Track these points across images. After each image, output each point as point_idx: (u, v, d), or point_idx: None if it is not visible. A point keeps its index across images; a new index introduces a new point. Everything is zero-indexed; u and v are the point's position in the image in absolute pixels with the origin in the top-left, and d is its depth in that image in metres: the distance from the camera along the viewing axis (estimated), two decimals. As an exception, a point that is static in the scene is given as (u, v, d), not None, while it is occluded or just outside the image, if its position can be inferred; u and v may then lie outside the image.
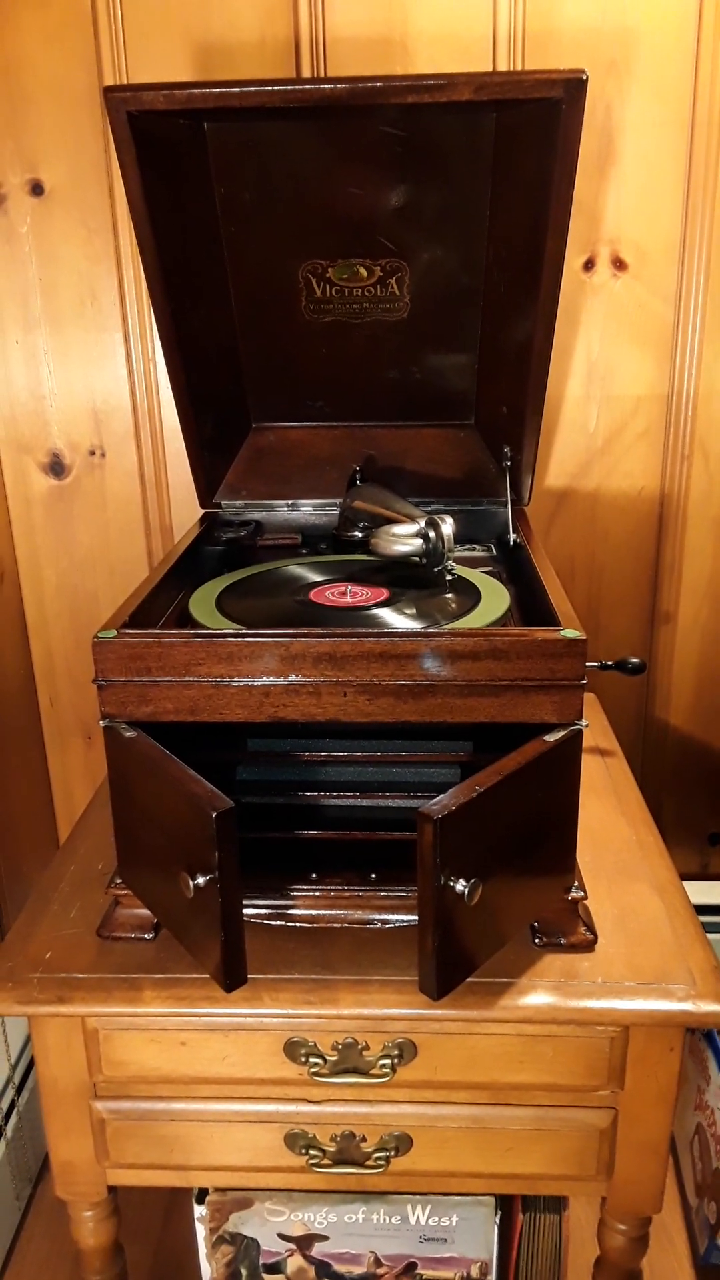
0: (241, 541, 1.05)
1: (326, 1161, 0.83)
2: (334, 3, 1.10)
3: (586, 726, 0.75)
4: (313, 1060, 0.79)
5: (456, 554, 0.99)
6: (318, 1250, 0.97)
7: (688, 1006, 0.75)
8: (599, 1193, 0.85)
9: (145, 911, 0.82)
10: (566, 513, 1.29)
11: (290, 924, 0.79)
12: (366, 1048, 0.79)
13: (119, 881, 0.82)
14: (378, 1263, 0.97)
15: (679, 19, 1.10)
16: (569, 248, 0.93)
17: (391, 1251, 0.96)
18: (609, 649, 1.34)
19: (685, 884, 0.90)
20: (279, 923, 0.79)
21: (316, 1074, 0.79)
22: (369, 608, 0.85)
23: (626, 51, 1.11)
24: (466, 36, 1.11)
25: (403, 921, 0.78)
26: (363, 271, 1.00)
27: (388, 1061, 0.79)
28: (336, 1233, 0.96)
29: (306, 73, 1.13)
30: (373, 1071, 0.79)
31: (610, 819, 0.98)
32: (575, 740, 0.74)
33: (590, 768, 1.05)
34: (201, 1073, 0.81)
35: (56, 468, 1.30)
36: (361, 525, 1.01)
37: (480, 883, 0.67)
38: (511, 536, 1.02)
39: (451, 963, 0.68)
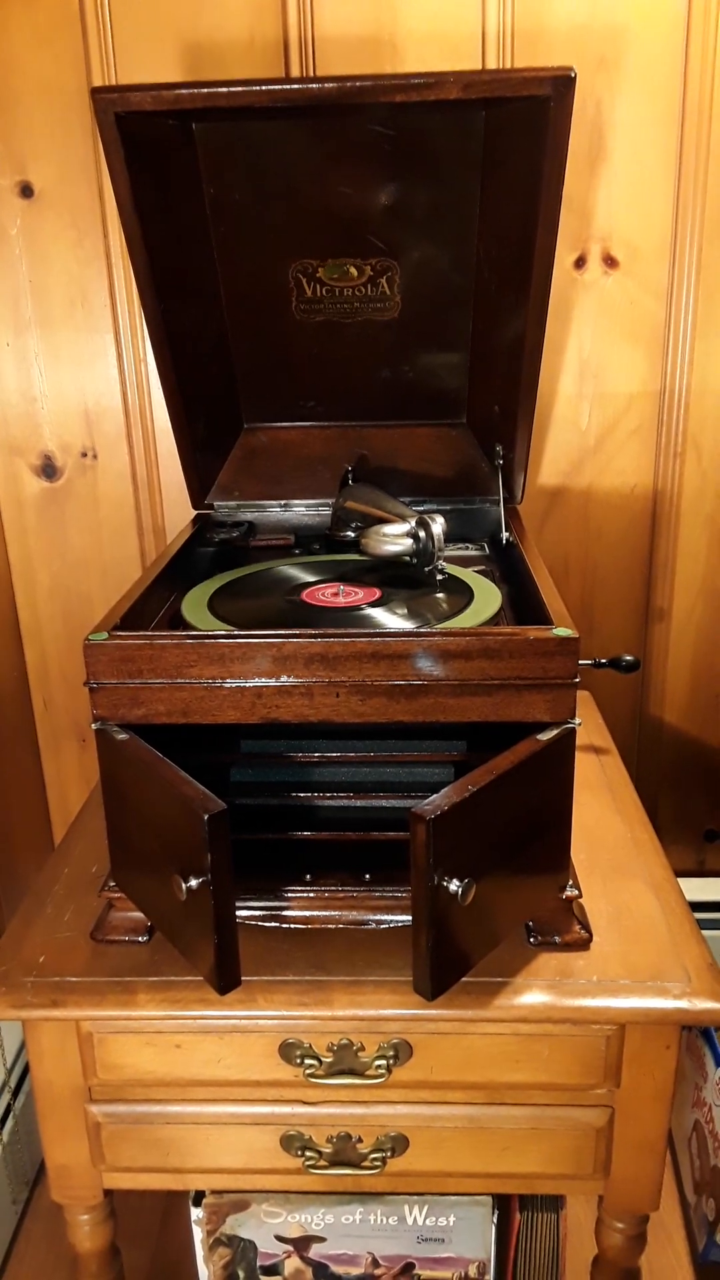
0: (234, 542, 1.05)
1: (323, 1163, 0.83)
2: (323, 2, 1.10)
3: (579, 725, 0.75)
4: (308, 1062, 0.79)
5: (449, 553, 0.99)
6: (315, 1252, 0.97)
7: (683, 1004, 0.75)
8: (596, 1191, 0.85)
9: (139, 914, 0.81)
10: (559, 511, 1.29)
11: (284, 925, 0.79)
12: (362, 1049, 0.79)
13: (112, 884, 0.82)
14: (375, 1264, 0.97)
15: (668, 16, 1.10)
16: (560, 245, 0.93)
17: (389, 1252, 0.96)
18: (603, 647, 1.33)
19: (680, 881, 0.90)
20: (273, 924, 0.79)
21: (312, 1075, 0.79)
22: (361, 608, 0.85)
23: (616, 49, 1.11)
24: (456, 35, 1.11)
25: (397, 922, 0.78)
26: (353, 271, 1.00)
27: (383, 1062, 0.79)
28: (334, 1234, 0.96)
29: (295, 72, 1.13)
30: (368, 1072, 0.79)
31: (605, 817, 0.98)
32: (568, 739, 0.74)
33: (585, 765, 1.05)
34: (196, 1075, 0.81)
35: (48, 470, 1.30)
36: (354, 525, 1.01)
37: (474, 882, 0.67)
38: (504, 535, 1.02)
39: (446, 963, 0.68)
